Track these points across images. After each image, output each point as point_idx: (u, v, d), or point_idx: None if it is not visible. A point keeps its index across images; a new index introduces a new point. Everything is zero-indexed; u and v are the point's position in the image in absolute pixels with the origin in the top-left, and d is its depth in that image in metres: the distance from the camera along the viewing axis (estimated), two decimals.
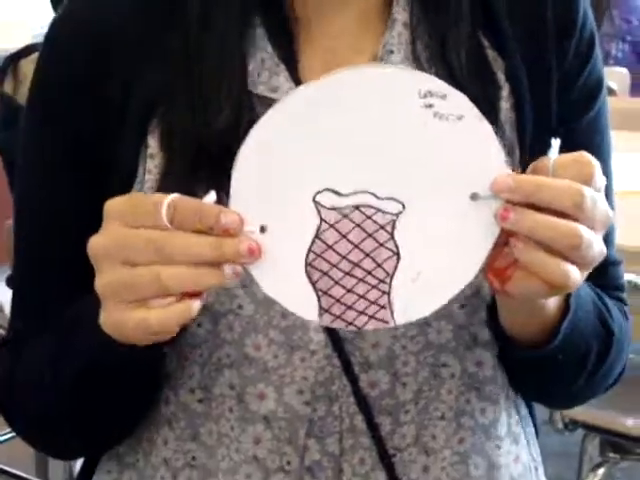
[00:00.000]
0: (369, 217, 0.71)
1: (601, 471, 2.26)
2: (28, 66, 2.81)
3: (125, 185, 0.84)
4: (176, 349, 0.85)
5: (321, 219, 0.71)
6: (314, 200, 0.71)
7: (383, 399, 0.86)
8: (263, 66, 0.84)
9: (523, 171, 0.87)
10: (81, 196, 0.86)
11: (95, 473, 0.94)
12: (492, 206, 0.70)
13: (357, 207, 0.71)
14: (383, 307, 0.72)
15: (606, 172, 0.90)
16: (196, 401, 0.86)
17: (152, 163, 0.84)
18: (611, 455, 2.25)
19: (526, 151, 0.87)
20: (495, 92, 0.87)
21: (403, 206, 0.71)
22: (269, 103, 0.80)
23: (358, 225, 0.71)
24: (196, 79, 0.83)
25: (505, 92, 0.88)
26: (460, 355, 0.87)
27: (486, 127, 0.71)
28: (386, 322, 0.72)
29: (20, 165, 0.90)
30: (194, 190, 0.79)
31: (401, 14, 0.87)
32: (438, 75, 0.85)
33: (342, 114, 0.70)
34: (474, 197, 0.70)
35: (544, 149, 0.87)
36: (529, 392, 0.95)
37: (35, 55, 2.75)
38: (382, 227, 0.71)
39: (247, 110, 0.83)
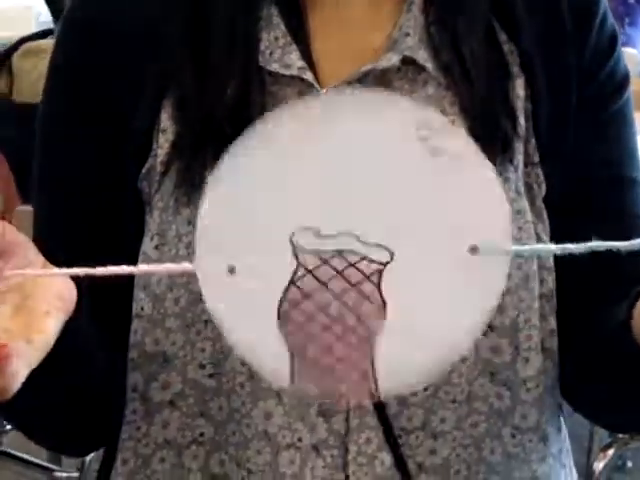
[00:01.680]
0: (352, 265, 0.61)
1: (611, 452, 2.26)
2: (21, 61, 2.81)
3: (141, 159, 0.86)
4: (182, 328, 0.85)
5: (298, 263, 0.61)
6: (290, 240, 0.61)
7: None
8: (277, 44, 0.85)
9: (540, 159, 0.87)
10: (99, 168, 0.88)
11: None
12: (494, 260, 0.61)
13: (339, 252, 0.61)
14: (365, 373, 0.62)
15: (636, 165, 0.91)
16: (206, 376, 0.85)
17: (163, 137, 0.86)
18: (620, 436, 2.25)
19: (542, 141, 0.88)
20: (508, 82, 0.87)
21: (392, 255, 0.61)
22: (281, 80, 0.81)
23: (340, 273, 0.61)
24: (206, 53, 0.85)
25: (520, 82, 0.88)
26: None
27: (487, 169, 0.61)
28: (368, 395, 0.62)
29: (39, 138, 0.92)
30: (201, 162, 0.80)
31: None
32: (449, 63, 0.85)
33: (328, 141, 0.61)
34: (474, 251, 0.61)
35: (560, 139, 0.87)
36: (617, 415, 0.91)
37: (26, 46, 2.76)
38: (367, 277, 0.61)
39: (257, 85, 0.84)
